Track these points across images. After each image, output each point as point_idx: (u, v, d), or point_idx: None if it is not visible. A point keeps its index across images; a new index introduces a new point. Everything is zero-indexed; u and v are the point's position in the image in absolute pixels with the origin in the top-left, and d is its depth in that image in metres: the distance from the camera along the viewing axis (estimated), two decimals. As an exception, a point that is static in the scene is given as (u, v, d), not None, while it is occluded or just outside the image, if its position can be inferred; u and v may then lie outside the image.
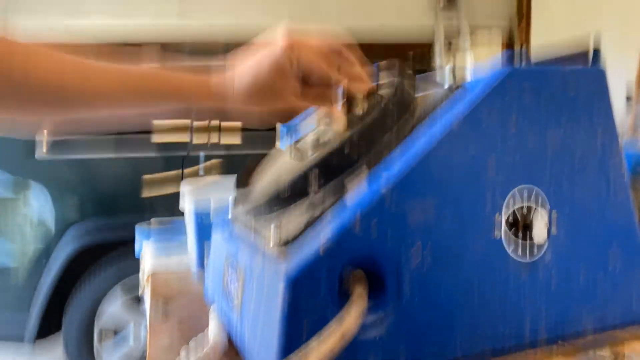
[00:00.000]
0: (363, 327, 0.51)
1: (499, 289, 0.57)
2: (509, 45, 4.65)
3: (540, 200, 0.59)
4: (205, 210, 1.10)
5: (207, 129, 2.92)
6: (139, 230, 1.61)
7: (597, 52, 0.65)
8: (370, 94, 0.66)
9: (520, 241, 0.58)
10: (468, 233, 0.56)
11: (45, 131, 2.65)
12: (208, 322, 0.85)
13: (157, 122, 2.70)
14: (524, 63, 0.61)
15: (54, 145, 2.79)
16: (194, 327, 1.02)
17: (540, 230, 0.59)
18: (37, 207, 2.79)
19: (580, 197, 0.61)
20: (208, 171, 2.90)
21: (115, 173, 2.88)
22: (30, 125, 0.68)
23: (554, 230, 0.60)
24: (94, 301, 2.77)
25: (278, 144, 1.09)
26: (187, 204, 1.18)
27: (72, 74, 0.60)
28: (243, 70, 0.65)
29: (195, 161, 2.91)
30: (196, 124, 2.88)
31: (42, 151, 2.78)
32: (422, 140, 0.56)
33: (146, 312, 1.27)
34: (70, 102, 0.61)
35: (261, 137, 2.66)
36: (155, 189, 2.82)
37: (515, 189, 0.58)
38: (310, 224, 0.56)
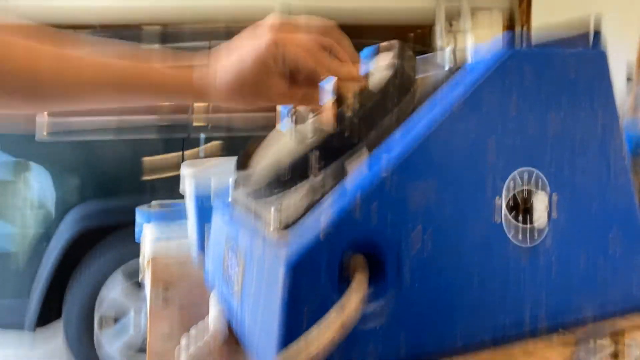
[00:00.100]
0: (363, 315, 0.51)
1: (499, 274, 0.57)
2: (509, 26, 4.61)
3: (540, 183, 0.59)
4: (206, 193, 1.09)
5: (207, 111, 2.91)
6: (140, 212, 1.61)
7: (597, 34, 0.64)
8: (361, 92, 0.62)
9: (520, 225, 0.58)
10: (468, 216, 0.56)
11: (45, 113, 2.64)
12: (208, 308, 0.85)
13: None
14: (524, 45, 0.61)
15: (55, 127, 2.77)
16: (194, 313, 1.02)
17: (540, 214, 0.59)
18: (38, 189, 2.79)
19: (580, 179, 0.61)
20: (208, 153, 2.90)
21: (115, 155, 2.86)
22: (5, 116, 0.67)
23: (554, 213, 0.60)
24: (95, 287, 2.74)
25: (278, 125, 1.09)
26: (187, 187, 1.18)
27: (47, 66, 0.58)
28: (226, 66, 0.62)
29: (195, 143, 2.91)
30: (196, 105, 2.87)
31: (42, 133, 2.77)
32: (422, 122, 0.56)
33: (146, 298, 1.27)
34: (44, 93, 0.60)
35: (261, 118, 2.66)
36: (156, 172, 2.82)
37: (516, 172, 0.58)
38: (310, 207, 0.56)
